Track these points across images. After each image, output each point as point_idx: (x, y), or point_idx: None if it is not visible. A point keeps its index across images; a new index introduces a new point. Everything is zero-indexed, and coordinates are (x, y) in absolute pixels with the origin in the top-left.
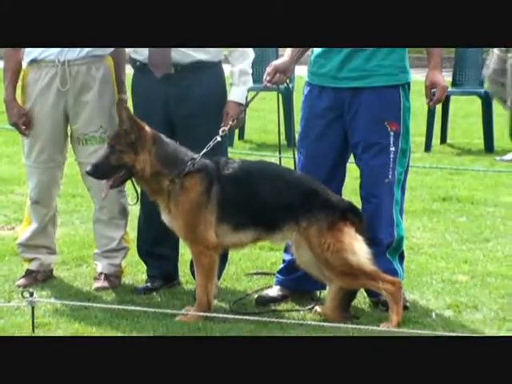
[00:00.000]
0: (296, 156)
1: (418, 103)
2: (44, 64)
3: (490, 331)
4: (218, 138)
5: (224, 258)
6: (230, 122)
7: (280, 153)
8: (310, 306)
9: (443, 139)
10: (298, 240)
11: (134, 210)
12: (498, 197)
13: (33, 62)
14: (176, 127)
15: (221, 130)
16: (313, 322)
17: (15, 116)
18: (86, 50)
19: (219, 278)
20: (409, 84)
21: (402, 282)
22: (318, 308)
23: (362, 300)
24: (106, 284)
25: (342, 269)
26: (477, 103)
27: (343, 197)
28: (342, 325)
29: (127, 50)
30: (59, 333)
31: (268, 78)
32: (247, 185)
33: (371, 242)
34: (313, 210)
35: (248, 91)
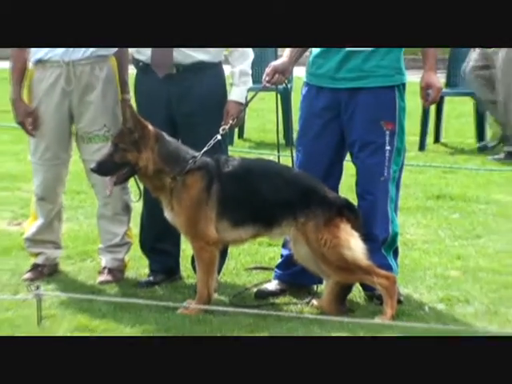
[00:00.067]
0: (294, 154)
1: (412, 103)
2: (49, 64)
3: (480, 324)
4: (219, 137)
5: (224, 253)
6: (230, 121)
7: (278, 151)
8: (307, 300)
9: (437, 138)
10: (296, 236)
11: (137, 206)
12: (490, 194)
13: (38, 62)
14: (178, 125)
15: (221, 128)
16: (310, 315)
17: (22, 115)
18: (90, 50)
19: (219, 272)
20: (404, 85)
21: (396, 276)
22: (314, 301)
23: (357, 294)
24: (109, 278)
25: (338, 263)
26: (469, 104)
27: (340, 194)
28: (338, 318)
29: (130, 50)
30: (64, 325)
31: (267, 79)
32: (247, 182)
33: (366, 237)
34: (310, 207)
35: (248, 91)
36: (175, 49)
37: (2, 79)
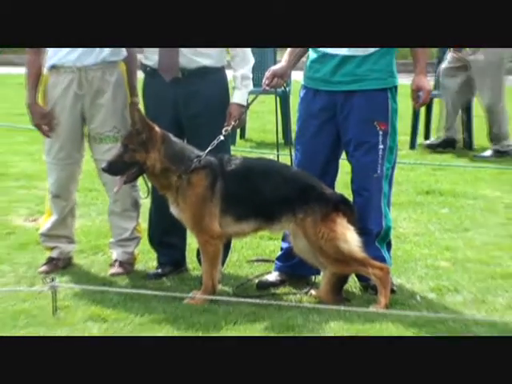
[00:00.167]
0: (293, 153)
1: (403, 105)
2: (63, 70)
3: (469, 312)
4: (222, 137)
5: (227, 247)
6: (233, 123)
7: (278, 150)
8: (305, 290)
9: (427, 138)
10: (295, 230)
11: (146, 202)
12: (477, 190)
13: (53, 67)
14: (184, 127)
15: (224, 129)
16: (308, 305)
17: (37, 117)
18: (101, 56)
19: (223, 264)
20: (396, 87)
21: (390, 267)
22: (313, 291)
23: (353, 284)
24: (120, 270)
25: (334, 256)
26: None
27: (336, 190)
28: (335, 307)
29: (138, 56)
30: (78, 314)
31: (267, 82)
32: (248, 180)
33: (361, 231)
34: (308, 203)
35: (249, 94)
36: (180, 54)
37: (18, 84)
